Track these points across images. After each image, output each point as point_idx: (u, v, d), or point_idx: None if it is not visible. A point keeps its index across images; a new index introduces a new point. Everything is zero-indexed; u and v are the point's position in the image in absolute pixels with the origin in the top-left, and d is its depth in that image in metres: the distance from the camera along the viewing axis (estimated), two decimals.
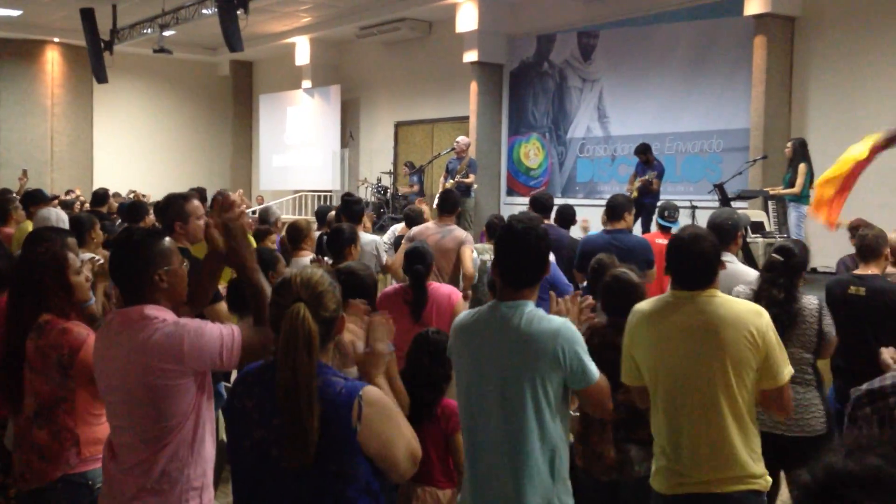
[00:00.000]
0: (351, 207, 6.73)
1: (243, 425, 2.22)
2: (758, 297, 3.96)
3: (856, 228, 6.11)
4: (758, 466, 2.93)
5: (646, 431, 3.44)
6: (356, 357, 2.44)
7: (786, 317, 3.91)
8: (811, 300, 4.00)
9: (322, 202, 17.56)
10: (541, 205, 6.97)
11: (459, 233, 6.36)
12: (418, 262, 4.60)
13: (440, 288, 4.68)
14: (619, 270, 3.90)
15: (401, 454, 2.20)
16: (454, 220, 6.62)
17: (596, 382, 2.71)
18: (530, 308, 2.73)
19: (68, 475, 2.99)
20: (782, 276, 3.97)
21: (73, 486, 2.98)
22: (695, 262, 3.00)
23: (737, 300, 3.07)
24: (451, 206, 6.60)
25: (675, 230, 6.97)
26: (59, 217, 6.74)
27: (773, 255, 4.04)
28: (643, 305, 3.19)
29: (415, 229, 6.57)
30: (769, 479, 2.98)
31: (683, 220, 9.23)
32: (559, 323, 2.70)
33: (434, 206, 7.70)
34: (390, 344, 2.55)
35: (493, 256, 2.93)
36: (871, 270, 4.56)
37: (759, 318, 2.92)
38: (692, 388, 2.93)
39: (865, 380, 4.00)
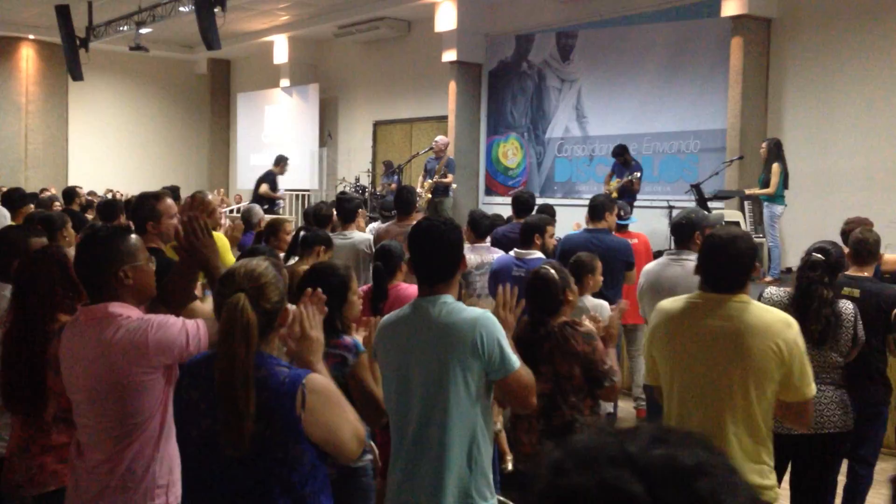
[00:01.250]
0: (342, 206, 6.73)
1: (191, 415, 2.23)
2: (804, 297, 3.89)
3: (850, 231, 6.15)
4: (765, 479, 2.86)
5: (561, 419, 3.47)
6: (290, 346, 2.42)
7: (834, 318, 3.89)
8: (847, 305, 3.98)
9: (300, 201, 17.49)
10: (522, 204, 6.92)
11: None
12: (380, 259, 4.60)
13: (408, 289, 4.63)
14: (542, 267, 3.93)
15: (346, 438, 2.22)
16: (413, 219, 6.56)
17: (515, 372, 2.71)
18: (450, 301, 2.75)
19: None
20: (826, 275, 3.93)
21: None
22: (727, 263, 2.89)
23: (767, 308, 2.95)
24: (405, 205, 6.54)
25: (631, 227, 7.04)
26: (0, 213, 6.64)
27: (815, 254, 3.99)
28: (668, 304, 3.07)
29: (377, 232, 6.56)
30: (777, 492, 2.92)
31: (660, 220, 9.30)
32: (479, 313, 2.73)
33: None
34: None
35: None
36: (864, 273, 4.60)
37: (789, 329, 2.81)
38: (707, 395, 2.85)
39: (854, 380, 4.07)
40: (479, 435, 2.72)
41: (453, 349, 2.67)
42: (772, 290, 4.14)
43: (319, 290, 2.50)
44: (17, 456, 3.04)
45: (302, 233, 5.47)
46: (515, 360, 2.72)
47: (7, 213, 6.58)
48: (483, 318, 2.70)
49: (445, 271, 2.80)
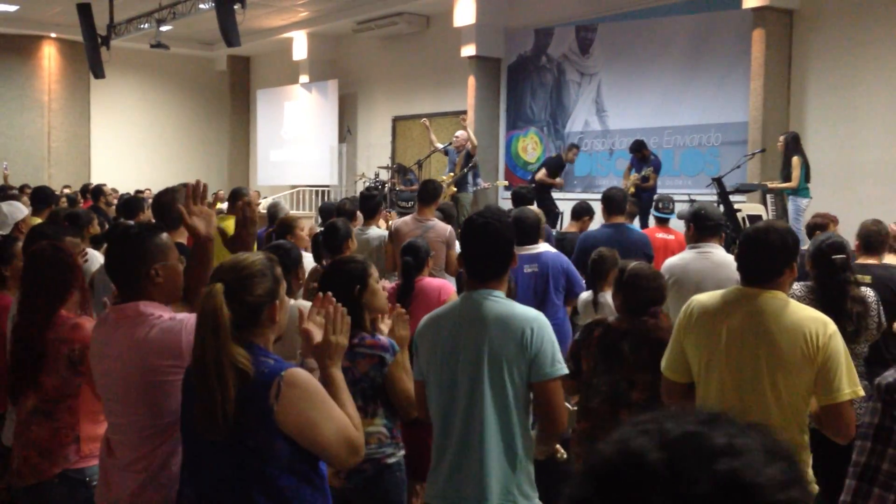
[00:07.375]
0: (365, 204, 6.76)
1: (188, 400, 2.27)
2: (838, 298, 3.77)
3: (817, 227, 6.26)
4: None
5: None
6: (311, 347, 2.45)
7: (862, 307, 3.83)
8: (869, 291, 3.91)
9: (320, 197, 17.54)
10: (521, 198, 7.00)
11: (440, 228, 6.27)
12: (408, 254, 4.61)
13: (431, 282, 4.66)
14: (640, 267, 3.76)
15: (329, 439, 2.18)
16: (433, 212, 6.57)
17: (556, 379, 2.68)
18: (501, 296, 2.77)
19: (67, 471, 2.98)
20: (849, 272, 3.85)
21: (71, 483, 2.97)
22: (759, 254, 2.82)
23: (801, 306, 2.84)
24: (431, 196, 6.54)
25: (671, 221, 7.00)
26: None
27: (836, 256, 3.85)
28: (704, 298, 2.97)
29: (395, 225, 6.57)
30: (815, 487, 2.80)
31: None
32: (534, 312, 2.74)
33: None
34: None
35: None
36: (872, 261, 4.64)
37: (824, 327, 2.70)
38: (740, 390, 2.78)
39: (868, 368, 4.03)
40: (520, 431, 2.71)
41: (501, 343, 2.66)
42: (794, 288, 4.07)
43: (330, 293, 2.49)
44: (15, 447, 3.12)
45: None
46: (563, 367, 2.69)
47: (23, 207, 6.61)
48: (538, 317, 2.71)
49: (497, 267, 2.80)
